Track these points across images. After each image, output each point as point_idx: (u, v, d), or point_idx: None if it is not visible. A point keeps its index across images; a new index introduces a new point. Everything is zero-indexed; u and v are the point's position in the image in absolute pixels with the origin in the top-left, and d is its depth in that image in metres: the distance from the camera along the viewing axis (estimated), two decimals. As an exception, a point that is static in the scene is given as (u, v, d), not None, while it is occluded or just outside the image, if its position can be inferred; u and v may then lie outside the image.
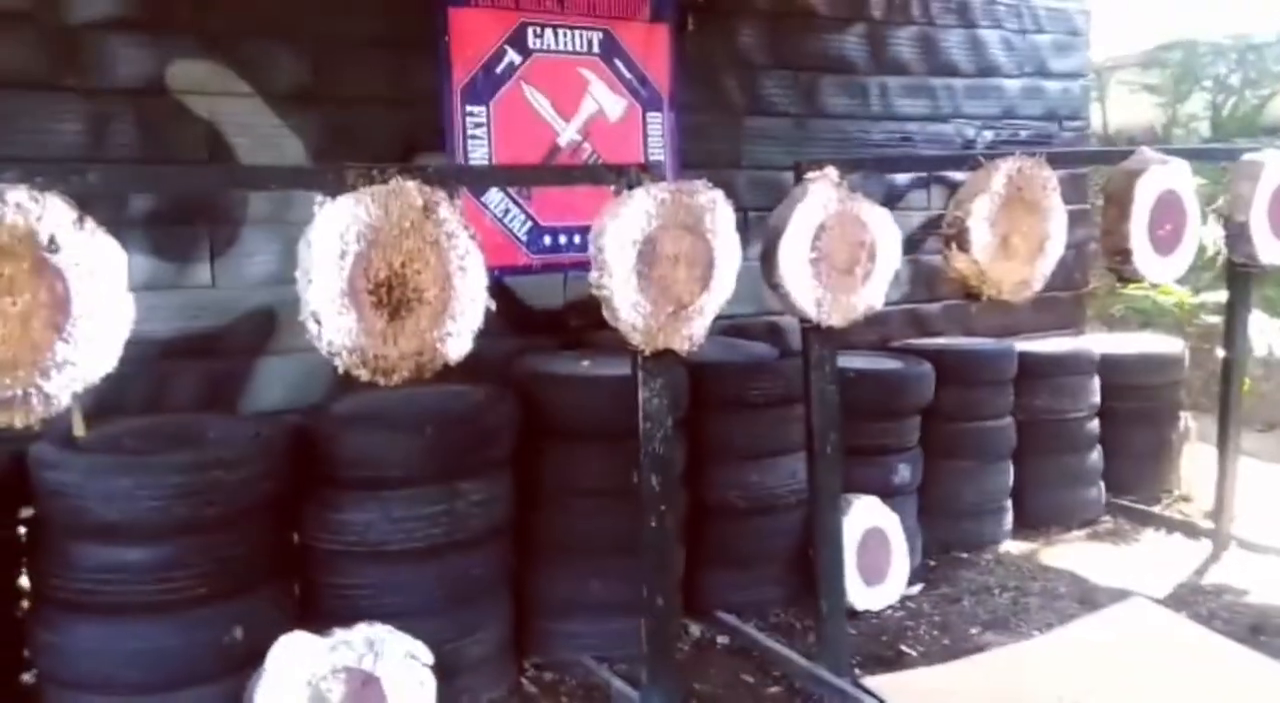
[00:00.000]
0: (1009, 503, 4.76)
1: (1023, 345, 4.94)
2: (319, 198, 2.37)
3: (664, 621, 3.05)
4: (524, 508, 3.45)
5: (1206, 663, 3.44)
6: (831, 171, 3.23)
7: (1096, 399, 5.01)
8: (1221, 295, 5.78)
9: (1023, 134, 5.61)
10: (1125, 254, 3.83)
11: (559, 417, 3.53)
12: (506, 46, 4.07)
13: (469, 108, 3.99)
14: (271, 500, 2.96)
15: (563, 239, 4.24)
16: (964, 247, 3.44)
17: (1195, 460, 5.26)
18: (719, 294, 2.99)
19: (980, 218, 3.40)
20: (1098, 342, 5.47)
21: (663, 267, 2.85)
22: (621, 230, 2.78)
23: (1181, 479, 5.27)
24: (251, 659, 2.76)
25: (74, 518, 2.73)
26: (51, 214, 2.06)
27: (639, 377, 2.96)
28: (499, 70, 4.06)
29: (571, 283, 4.27)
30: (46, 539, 2.81)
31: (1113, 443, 5.08)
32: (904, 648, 3.68)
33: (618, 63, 4.32)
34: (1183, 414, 5.35)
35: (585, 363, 3.93)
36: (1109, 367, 5.08)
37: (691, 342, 2.96)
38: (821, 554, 3.41)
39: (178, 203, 3.47)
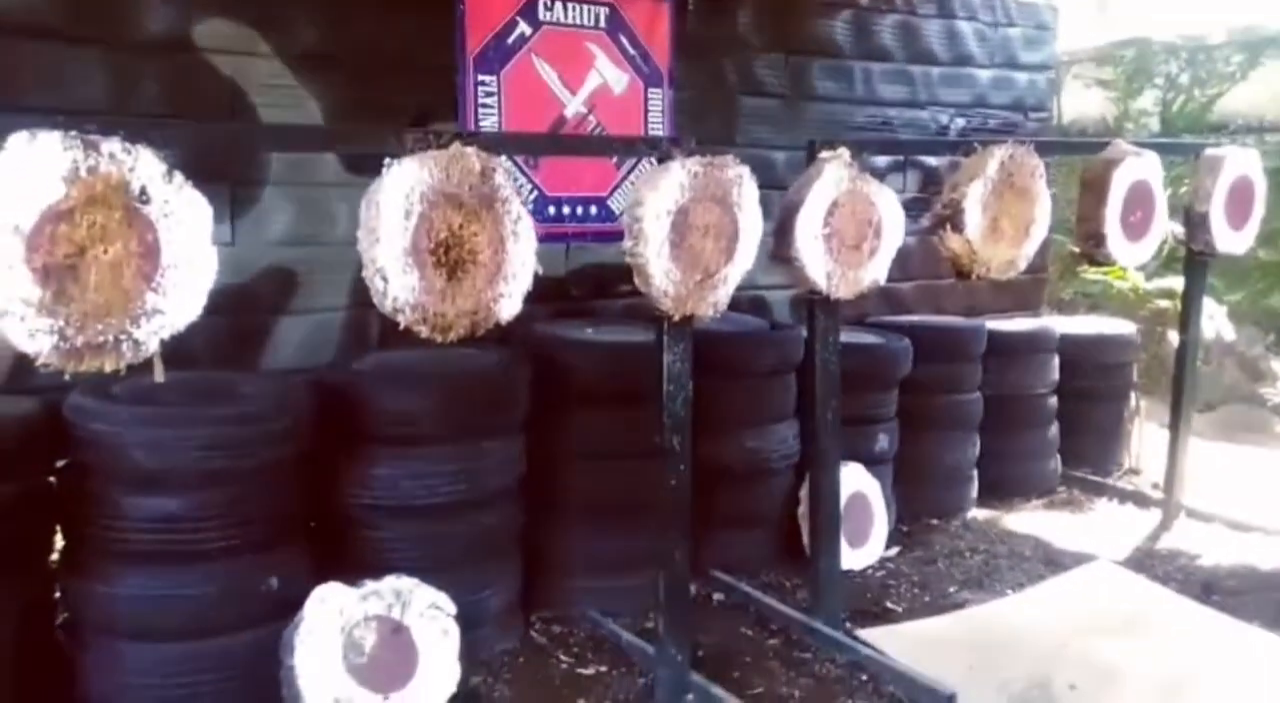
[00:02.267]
0: (975, 473, 5.02)
1: (990, 324, 5.18)
2: (386, 160, 2.44)
3: (680, 575, 3.20)
4: (532, 467, 3.56)
5: (1169, 619, 3.72)
6: (844, 152, 3.39)
7: (1056, 377, 5.27)
8: (1168, 282, 6.13)
9: (991, 122, 5.85)
10: (1099, 239, 4.08)
11: (571, 380, 3.64)
12: (518, 17, 4.14)
13: (481, 77, 4.05)
14: (304, 455, 3.02)
15: (566, 210, 4.33)
16: (958, 227, 3.66)
17: (1143, 437, 5.58)
18: (741, 265, 3.13)
19: (975, 201, 3.62)
20: (1057, 322, 5.73)
21: (693, 237, 2.98)
22: (658, 201, 2.90)
23: (1131, 454, 5.58)
24: (285, 608, 2.85)
25: (115, 467, 2.77)
26: (143, 166, 2.11)
27: (663, 341, 3.09)
28: (510, 40, 4.13)
29: (573, 253, 4.37)
30: (84, 488, 2.84)
31: (1069, 419, 5.36)
32: (889, 605, 3.90)
33: (622, 38, 4.41)
34: (1133, 393, 5.66)
35: (589, 331, 4.04)
36: (1068, 346, 5.34)
37: (716, 309, 3.10)
38: (820, 514, 3.61)
39: (203, 159, 3.47)
